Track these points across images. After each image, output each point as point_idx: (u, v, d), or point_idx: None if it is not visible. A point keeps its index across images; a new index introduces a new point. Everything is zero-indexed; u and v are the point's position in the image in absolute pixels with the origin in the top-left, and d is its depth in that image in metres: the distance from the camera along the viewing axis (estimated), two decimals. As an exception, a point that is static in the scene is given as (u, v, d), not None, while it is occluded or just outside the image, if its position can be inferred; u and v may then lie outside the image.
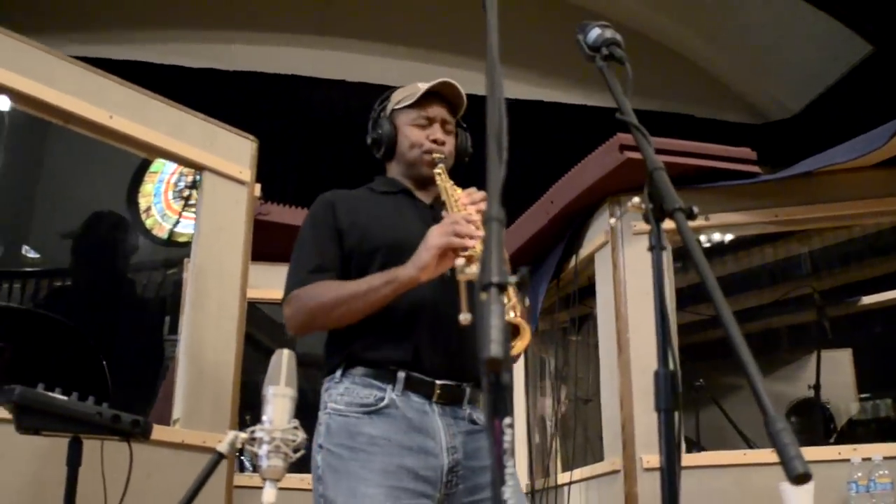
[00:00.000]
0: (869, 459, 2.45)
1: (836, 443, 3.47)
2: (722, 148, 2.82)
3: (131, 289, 4.56)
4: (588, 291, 3.13)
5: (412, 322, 1.81)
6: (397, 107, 2.03)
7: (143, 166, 5.43)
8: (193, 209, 2.67)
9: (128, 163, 5.26)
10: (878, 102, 5.02)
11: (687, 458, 2.63)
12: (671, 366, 1.16)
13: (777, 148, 5.64)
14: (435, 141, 1.97)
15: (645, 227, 1.23)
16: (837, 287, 4.00)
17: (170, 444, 2.32)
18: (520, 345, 1.57)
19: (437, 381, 1.80)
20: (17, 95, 2.24)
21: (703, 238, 3.25)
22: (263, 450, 1.43)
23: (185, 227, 5.17)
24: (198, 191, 2.66)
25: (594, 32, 1.44)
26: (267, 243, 2.80)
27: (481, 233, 1.65)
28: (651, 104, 5.95)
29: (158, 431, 2.14)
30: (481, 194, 1.84)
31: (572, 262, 3.16)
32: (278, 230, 3.02)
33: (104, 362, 2.73)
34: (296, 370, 1.49)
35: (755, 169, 2.80)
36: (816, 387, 3.61)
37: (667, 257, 2.72)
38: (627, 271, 2.80)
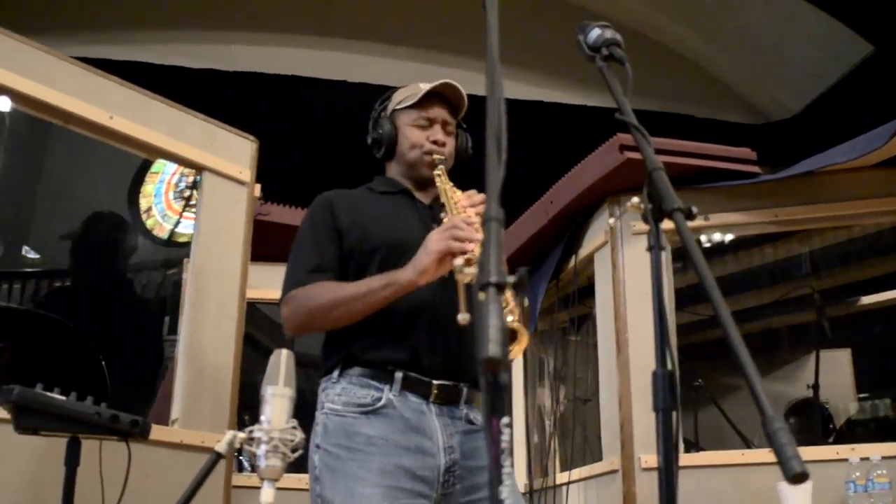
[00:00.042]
0: (867, 459, 2.45)
1: (835, 443, 3.47)
2: (722, 148, 2.82)
3: (131, 289, 4.56)
4: (587, 291, 3.13)
5: (411, 323, 1.81)
6: (398, 107, 2.03)
7: (144, 167, 5.43)
8: (194, 209, 2.67)
9: (128, 163, 5.26)
10: (878, 102, 5.03)
11: (685, 458, 2.63)
12: (669, 366, 1.16)
13: (777, 148, 5.64)
14: (435, 142, 1.97)
15: (644, 227, 1.23)
16: (837, 287, 4.00)
17: (168, 444, 2.32)
18: (517, 349, 1.58)
19: (435, 381, 1.80)
20: (17, 96, 2.24)
21: (703, 238, 3.25)
22: (262, 450, 1.43)
23: (186, 228, 5.17)
24: (198, 191, 2.66)
25: (594, 33, 1.44)
26: (267, 243, 2.80)
27: (480, 236, 1.65)
28: (651, 104, 5.95)
29: (157, 431, 2.14)
30: (481, 197, 1.84)
31: (572, 262, 3.16)
32: (278, 230, 3.02)
33: (103, 362, 2.74)
34: (294, 370, 1.49)
35: (755, 169, 2.80)
36: (815, 387, 3.61)
37: (666, 257, 2.72)
38: (627, 271, 2.80)
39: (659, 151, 1.27)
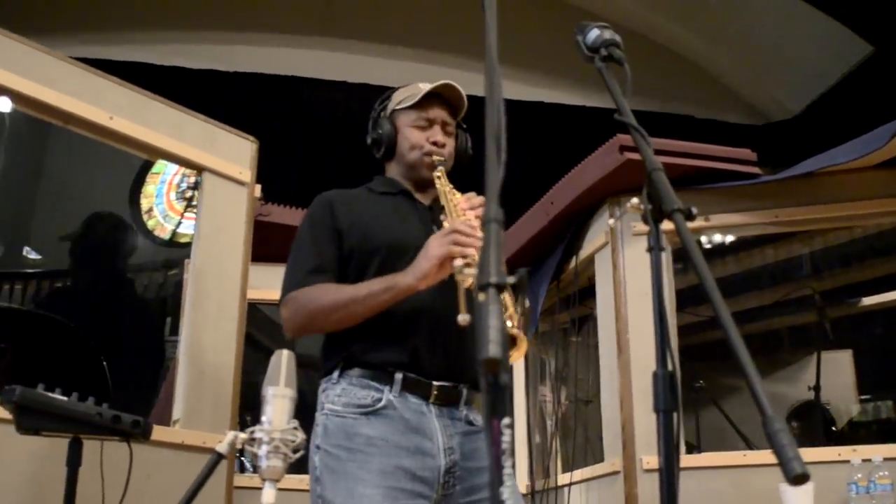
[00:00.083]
0: (869, 461, 2.44)
1: (837, 444, 3.47)
2: (722, 149, 2.82)
3: (132, 290, 4.56)
4: (588, 292, 3.12)
5: (411, 324, 1.81)
6: (398, 107, 2.03)
7: (146, 167, 5.42)
8: (195, 210, 2.67)
9: (129, 164, 5.26)
10: (878, 103, 5.02)
11: (686, 460, 2.63)
12: (670, 367, 1.16)
13: (777, 149, 5.63)
14: (435, 143, 1.97)
15: (644, 227, 1.23)
16: (838, 288, 3.99)
17: (170, 445, 2.32)
18: (516, 355, 1.59)
19: (435, 383, 1.80)
20: (17, 97, 2.24)
21: (703, 239, 3.25)
22: (263, 450, 1.43)
23: (187, 228, 5.17)
24: (198, 192, 2.66)
25: (593, 33, 1.44)
26: (267, 244, 2.80)
27: (481, 241, 1.65)
28: (650, 105, 5.95)
29: (158, 432, 2.14)
30: (480, 199, 1.84)
31: (572, 263, 3.16)
32: (279, 231, 3.02)
33: (105, 363, 2.74)
34: (295, 371, 1.49)
35: (755, 170, 2.80)
36: (816, 388, 3.60)
37: (666, 258, 2.72)
38: (627, 272, 2.80)
39: (658, 152, 1.27)
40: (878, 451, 2.47)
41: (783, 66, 6.17)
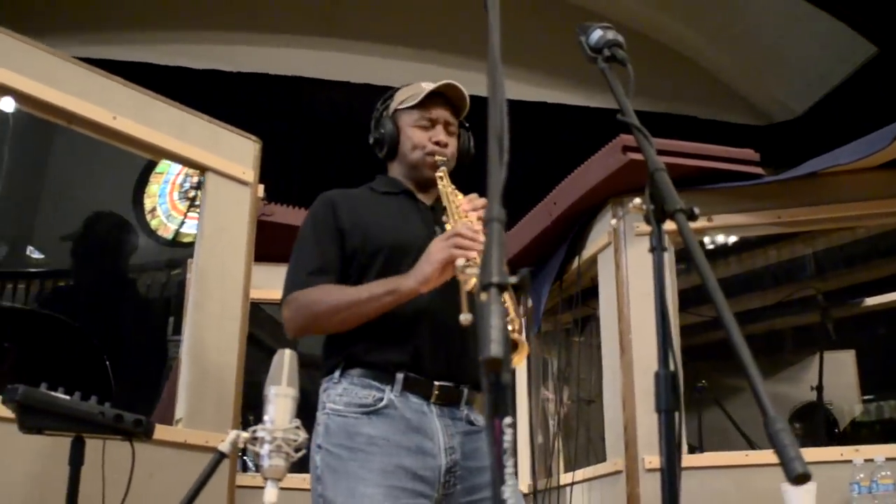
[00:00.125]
0: (871, 461, 2.44)
1: (839, 444, 3.46)
2: (725, 149, 2.82)
3: (135, 289, 4.57)
4: (591, 292, 3.12)
5: (413, 325, 1.81)
6: (400, 107, 2.03)
7: (149, 167, 5.43)
8: (198, 210, 2.67)
9: (133, 164, 5.26)
10: (882, 104, 5.01)
11: (688, 459, 2.63)
12: (672, 367, 1.16)
13: (780, 149, 5.63)
14: (437, 143, 1.97)
15: (647, 228, 1.23)
16: (841, 288, 3.99)
17: (172, 444, 2.33)
18: (517, 359, 1.58)
19: (436, 382, 1.81)
20: (20, 96, 2.25)
21: (706, 239, 3.24)
22: (265, 449, 1.43)
23: (190, 228, 5.17)
24: (201, 191, 2.66)
25: (596, 34, 1.44)
26: (270, 244, 2.80)
27: (483, 245, 1.65)
28: (653, 105, 5.94)
29: (161, 431, 2.14)
30: (482, 200, 1.84)
31: (575, 264, 3.16)
32: (282, 231, 3.02)
33: (107, 362, 2.74)
34: (297, 370, 1.49)
35: (758, 170, 2.80)
36: (819, 388, 3.60)
37: (668, 258, 2.72)
38: (630, 272, 2.80)
39: (661, 152, 1.27)
40: (880, 452, 2.47)
41: (786, 67, 6.17)
